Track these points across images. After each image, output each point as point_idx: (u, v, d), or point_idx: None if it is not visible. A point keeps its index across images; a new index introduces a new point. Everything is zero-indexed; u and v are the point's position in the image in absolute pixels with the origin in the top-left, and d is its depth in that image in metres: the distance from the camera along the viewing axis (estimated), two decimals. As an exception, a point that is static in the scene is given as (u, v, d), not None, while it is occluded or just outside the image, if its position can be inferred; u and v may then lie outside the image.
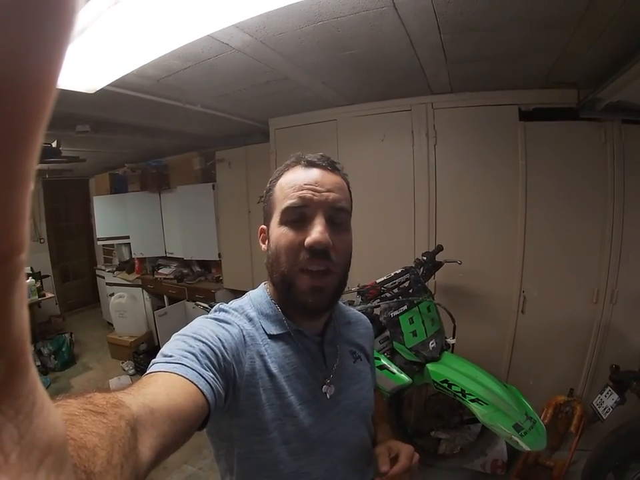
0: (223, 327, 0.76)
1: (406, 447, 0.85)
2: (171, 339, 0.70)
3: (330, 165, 0.84)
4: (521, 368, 2.78)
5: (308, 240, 0.75)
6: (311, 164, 0.82)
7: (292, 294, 0.78)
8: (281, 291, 0.81)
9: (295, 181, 0.80)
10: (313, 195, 0.78)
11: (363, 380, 0.94)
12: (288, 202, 0.78)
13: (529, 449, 1.78)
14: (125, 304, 4.87)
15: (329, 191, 0.79)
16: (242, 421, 0.74)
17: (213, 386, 0.61)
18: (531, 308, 2.72)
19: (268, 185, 0.87)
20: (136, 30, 1.53)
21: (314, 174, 0.81)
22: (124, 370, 4.48)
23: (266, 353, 0.79)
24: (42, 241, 5.95)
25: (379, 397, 1.12)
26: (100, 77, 2.00)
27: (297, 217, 0.78)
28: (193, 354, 0.64)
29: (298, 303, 0.79)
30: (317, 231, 0.75)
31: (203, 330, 0.71)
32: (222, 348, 0.69)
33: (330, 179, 0.82)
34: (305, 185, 0.79)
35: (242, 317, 0.83)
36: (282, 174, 0.85)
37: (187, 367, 0.60)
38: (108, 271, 5.61)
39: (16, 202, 0.15)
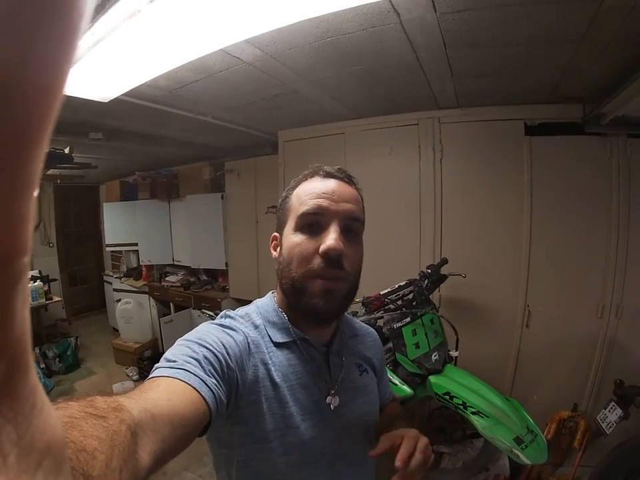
0: (228, 334, 0.75)
1: (409, 430, 0.78)
2: (175, 343, 0.69)
3: (347, 178, 0.85)
4: (525, 382, 2.76)
5: (323, 247, 0.75)
6: (329, 175, 0.84)
7: (302, 298, 0.78)
8: (291, 296, 0.80)
9: (313, 190, 0.81)
10: (330, 204, 0.78)
11: (368, 394, 0.92)
12: (304, 208, 0.79)
13: (529, 463, 1.77)
14: (131, 310, 4.90)
15: (345, 201, 0.80)
16: (242, 429, 0.73)
17: (215, 392, 0.61)
18: (536, 322, 2.71)
19: (284, 194, 0.88)
20: (150, 43, 1.57)
21: (331, 184, 0.82)
22: (128, 376, 4.49)
23: (270, 361, 0.78)
24: (51, 245, 6.01)
25: (397, 404, 1.12)
26: (114, 86, 2.05)
27: (312, 224, 0.78)
28: (197, 360, 0.63)
29: (308, 306, 0.77)
30: (331, 238, 0.75)
31: (207, 336, 0.71)
32: (225, 354, 0.69)
33: (347, 190, 0.83)
34: (323, 193, 0.79)
35: (247, 323, 0.82)
36: (299, 183, 0.85)
37: (190, 372, 0.60)
38: (115, 277, 5.66)
39: (20, 206, 0.15)
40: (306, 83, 2.29)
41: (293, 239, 0.80)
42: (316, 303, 0.77)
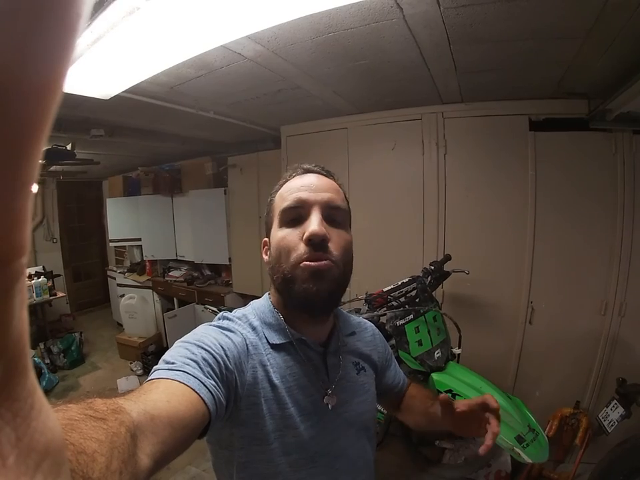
0: (226, 335, 0.76)
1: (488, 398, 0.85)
2: (174, 345, 0.70)
3: (324, 171, 0.87)
4: (528, 379, 2.76)
5: (306, 233, 0.76)
6: (306, 170, 0.86)
7: (293, 288, 0.77)
8: (284, 289, 0.80)
9: (292, 187, 0.83)
10: (309, 195, 0.80)
11: (365, 392, 0.93)
12: (285, 204, 0.81)
13: (530, 461, 1.77)
14: (135, 305, 4.93)
15: (323, 191, 0.82)
16: (243, 430, 0.73)
17: (214, 394, 0.61)
18: (539, 319, 2.71)
19: (269, 199, 0.90)
20: (150, 39, 1.56)
21: (309, 178, 0.84)
22: (132, 370, 4.52)
23: (268, 363, 0.79)
24: (55, 240, 6.02)
25: (422, 388, 1.16)
26: (115, 83, 2.04)
27: (294, 216, 0.80)
28: (195, 361, 0.64)
29: (300, 293, 0.77)
30: (313, 224, 0.76)
31: (206, 338, 0.71)
32: (224, 356, 0.69)
33: (324, 181, 0.84)
34: (301, 187, 0.82)
35: (245, 325, 0.83)
36: (281, 186, 0.87)
37: (189, 374, 0.60)
38: (119, 272, 5.67)
39: (17, 206, 0.15)
40: (308, 78, 2.28)
41: (278, 235, 0.81)
42: (307, 287, 0.76)
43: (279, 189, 0.87)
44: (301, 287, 0.76)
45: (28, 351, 0.17)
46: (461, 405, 0.86)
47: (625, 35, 1.62)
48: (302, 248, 0.77)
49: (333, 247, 0.78)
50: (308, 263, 0.76)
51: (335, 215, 0.82)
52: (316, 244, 0.76)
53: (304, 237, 0.76)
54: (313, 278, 0.76)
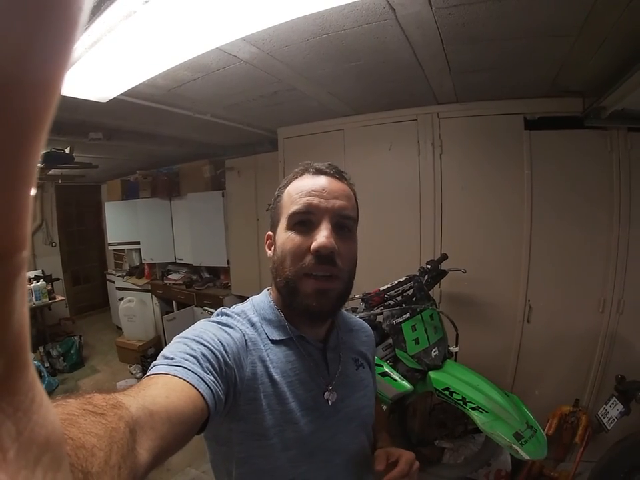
0: (225, 331, 0.75)
1: (406, 452, 0.84)
2: (173, 341, 0.69)
3: (337, 173, 0.85)
4: (527, 377, 2.76)
5: (314, 245, 0.75)
6: (318, 171, 0.84)
7: (296, 298, 0.78)
8: (285, 295, 0.81)
9: (303, 188, 0.81)
10: (320, 201, 0.79)
11: (364, 388, 0.94)
12: (295, 207, 0.79)
13: (528, 458, 1.77)
14: (134, 308, 4.92)
15: (335, 198, 0.80)
16: (242, 426, 0.73)
17: (213, 390, 0.61)
18: (537, 317, 2.71)
19: (276, 192, 0.88)
20: (147, 42, 1.57)
21: (321, 181, 0.82)
22: (131, 373, 4.52)
23: (268, 358, 0.79)
24: (54, 244, 6.02)
25: (378, 406, 1.11)
26: (112, 86, 2.05)
27: (304, 222, 0.79)
28: (195, 357, 0.64)
29: (302, 306, 0.78)
30: (322, 236, 0.75)
31: (205, 333, 0.71)
32: (223, 352, 0.69)
33: (337, 186, 0.82)
34: (313, 191, 0.80)
35: (244, 321, 0.82)
36: (290, 181, 0.86)
37: (188, 369, 0.60)
38: (118, 276, 5.67)
39: (18, 201, 0.15)
40: (303, 80, 2.29)
41: (285, 237, 0.80)
42: (309, 304, 0.77)
43: (288, 185, 0.85)
44: (304, 301, 0.78)
45: (28, 345, 0.17)
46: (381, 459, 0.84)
47: (617, 32, 1.63)
48: (308, 258, 0.77)
49: (340, 259, 0.78)
50: (314, 280, 0.76)
51: (344, 223, 0.81)
52: (323, 256, 0.76)
53: (311, 248, 0.76)
54: (317, 296, 0.77)
